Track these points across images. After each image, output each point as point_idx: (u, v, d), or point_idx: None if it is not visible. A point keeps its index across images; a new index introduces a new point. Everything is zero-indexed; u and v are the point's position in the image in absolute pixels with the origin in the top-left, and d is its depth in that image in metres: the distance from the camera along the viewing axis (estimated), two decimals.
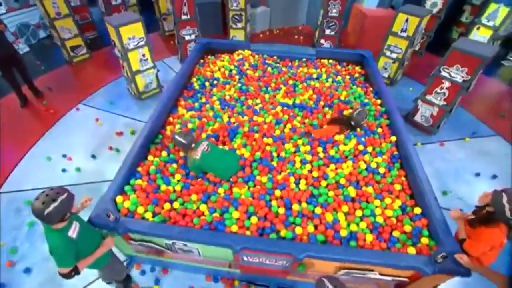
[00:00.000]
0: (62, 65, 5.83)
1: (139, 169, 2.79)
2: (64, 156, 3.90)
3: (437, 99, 4.07)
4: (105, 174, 3.64)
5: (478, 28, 5.36)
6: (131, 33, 4.19)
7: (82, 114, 4.63)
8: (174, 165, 2.87)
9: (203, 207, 2.47)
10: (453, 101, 3.93)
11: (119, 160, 3.71)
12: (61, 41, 5.53)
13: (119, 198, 2.45)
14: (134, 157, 2.78)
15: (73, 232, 1.86)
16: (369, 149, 3.01)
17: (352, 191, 2.62)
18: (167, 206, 2.46)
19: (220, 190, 2.64)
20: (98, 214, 2.25)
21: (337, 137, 3.13)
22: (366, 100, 3.66)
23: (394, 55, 5.03)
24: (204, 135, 3.16)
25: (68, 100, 4.86)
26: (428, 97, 4.14)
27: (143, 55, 4.52)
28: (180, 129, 3.27)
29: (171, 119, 3.45)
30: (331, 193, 2.62)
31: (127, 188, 2.58)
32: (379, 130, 3.27)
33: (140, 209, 2.41)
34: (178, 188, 2.63)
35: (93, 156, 3.88)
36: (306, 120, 3.42)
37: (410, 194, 2.67)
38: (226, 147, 3.08)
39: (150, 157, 2.93)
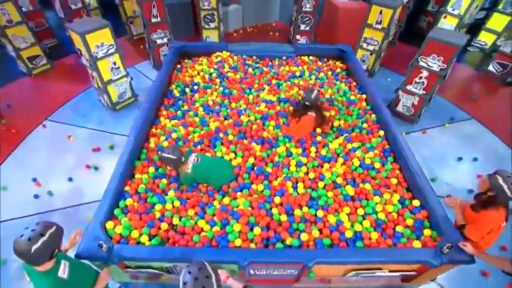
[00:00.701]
0: (19, 78, 5.35)
1: (127, 188, 2.64)
2: (35, 180, 3.59)
3: (417, 88, 4.22)
4: (84, 196, 3.41)
5: (445, 17, 5.62)
6: (99, 40, 3.94)
7: (50, 131, 4.30)
8: (164, 180, 2.75)
9: (201, 223, 2.38)
10: (432, 90, 4.10)
11: (99, 179, 3.57)
12: (16, 51, 5.08)
13: (109, 224, 2.30)
14: (120, 176, 2.61)
15: (63, 272, 1.67)
16: (356, 144, 3.06)
17: (350, 190, 2.65)
18: (164, 226, 2.34)
19: (215, 203, 2.57)
20: (88, 246, 2.07)
21: (319, 138, 3.16)
22: (352, 97, 3.71)
23: (371, 47, 5.15)
24: (190, 147, 3.07)
25: (31, 117, 4.48)
26: (408, 87, 4.28)
27: (114, 63, 4.29)
28: (166, 140, 3.14)
29: (154, 130, 3.31)
30: (330, 194, 2.63)
31: (116, 211, 2.42)
32: (365, 125, 3.34)
33: (135, 233, 2.27)
34: (176, 204, 2.53)
35: (69, 178, 3.62)
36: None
37: (407, 187, 2.74)
38: (219, 154, 3.01)
39: (137, 175, 2.78)
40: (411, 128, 4.48)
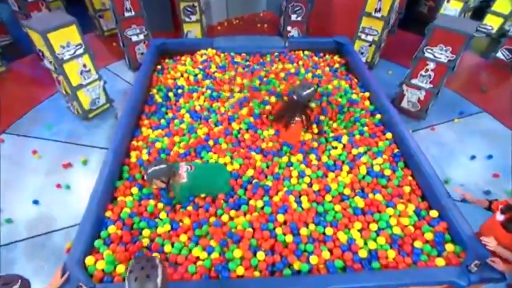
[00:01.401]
0: None
1: (109, 214, 2.53)
2: None
3: (423, 82, 4.22)
4: (56, 221, 3.22)
5: (448, 1, 5.66)
6: (64, 39, 3.75)
7: (9, 146, 4.04)
8: (152, 202, 2.64)
9: (197, 251, 2.29)
10: (440, 83, 4.11)
11: (72, 199, 3.41)
12: None
13: (89, 259, 2.18)
14: (100, 200, 2.49)
15: None
16: (362, 149, 3.03)
17: (360, 202, 2.61)
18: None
19: (212, 219, 2.50)
20: None
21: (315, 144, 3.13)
22: (354, 96, 3.68)
23: (370, 38, 5.13)
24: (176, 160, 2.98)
25: None
26: (414, 81, 4.28)
27: (84, 66, 4.11)
28: (148, 153, 3.04)
29: (135, 143, 3.20)
30: (338, 208, 2.59)
31: (97, 243, 2.31)
32: (366, 128, 3.32)
33: (120, 268, 2.17)
34: (167, 228, 2.44)
35: (35, 201, 3.42)
36: None
37: (421, 195, 2.72)
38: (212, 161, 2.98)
39: (120, 197, 2.66)
40: (418, 125, 4.47)
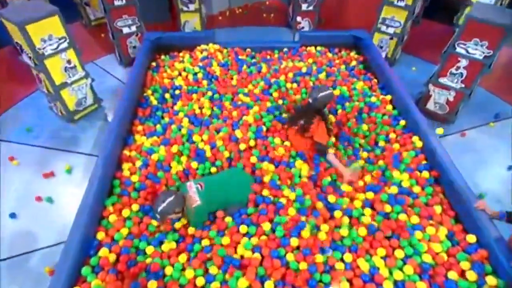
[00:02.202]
0: None
1: (100, 235, 2.49)
2: None
3: (453, 81, 4.11)
4: (36, 240, 3.15)
5: None
6: (46, 32, 3.66)
7: None
8: (154, 222, 2.63)
9: (199, 281, 2.24)
10: (473, 83, 4.00)
11: (54, 214, 3.34)
12: None
13: None
14: (88, 220, 2.44)
15: None
16: (383, 162, 2.98)
17: (382, 223, 2.54)
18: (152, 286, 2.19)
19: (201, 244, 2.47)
20: None
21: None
22: (373, 99, 3.61)
23: (391, 30, 5.03)
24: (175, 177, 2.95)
25: None
26: (442, 79, 4.17)
27: (69, 62, 4.05)
28: (144, 167, 2.99)
29: (127, 153, 3.15)
30: (363, 232, 2.49)
31: (85, 271, 2.25)
32: (392, 135, 3.25)
33: None
34: (172, 246, 2.48)
35: (12, 214, 3.34)
36: None
37: (455, 216, 2.64)
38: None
39: (111, 217, 2.61)
40: (446, 130, 4.34)
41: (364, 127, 3.42)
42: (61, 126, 4.37)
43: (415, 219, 2.56)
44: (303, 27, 6.08)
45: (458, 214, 2.63)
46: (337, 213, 2.61)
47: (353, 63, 4.22)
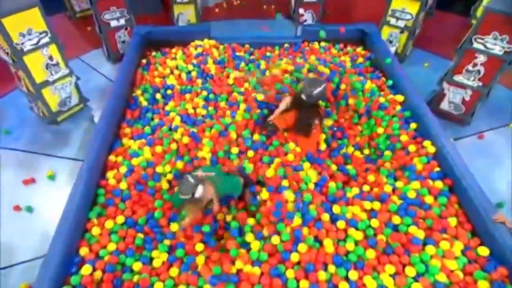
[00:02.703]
0: None
1: (83, 251, 2.46)
2: None
3: (470, 79, 4.04)
4: (14, 254, 3.09)
5: None
6: (24, 25, 3.60)
7: None
8: (140, 235, 2.61)
9: None
10: (492, 80, 3.94)
11: (35, 225, 3.28)
12: None
13: None
14: (69, 235, 2.41)
15: None
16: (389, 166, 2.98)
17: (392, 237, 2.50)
18: None
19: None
20: None
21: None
22: (381, 99, 3.57)
23: (401, 23, 4.94)
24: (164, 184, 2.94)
25: None
26: (457, 77, 4.10)
27: (50, 58, 3.99)
28: (129, 175, 2.95)
29: (113, 158, 3.12)
30: (370, 253, 2.44)
31: None
32: (404, 138, 3.19)
33: None
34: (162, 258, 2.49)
35: None
36: None
37: (471, 230, 2.58)
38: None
39: (95, 230, 2.58)
40: (461, 131, 4.30)
41: (371, 128, 3.42)
42: (43, 128, 4.31)
43: (427, 233, 2.51)
44: (305, 20, 6.01)
45: (475, 227, 2.58)
46: (340, 223, 2.57)
47: (360, 59, 4.19)
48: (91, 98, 4.57)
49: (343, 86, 3.69)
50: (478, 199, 2.57)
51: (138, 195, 2.81)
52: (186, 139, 3.14)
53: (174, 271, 2.39)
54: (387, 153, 3.16)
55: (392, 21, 4.98)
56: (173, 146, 3.15)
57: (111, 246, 2.51)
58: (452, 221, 2.56)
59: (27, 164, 3.88)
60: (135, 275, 2.37)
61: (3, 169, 3.82)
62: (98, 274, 2.34)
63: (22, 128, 4.31)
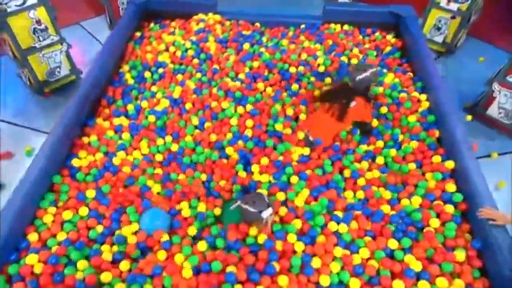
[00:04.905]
0: None
1: (33, 237, 2.51)
2: None
3: None
4: None
5: None
6: None
7: None
8: (100, 227, 2.63)
9: None
10: None
11: (3, 203, 3.40)
12: None
13: None
14: (17, 217, 2.47)
15: None
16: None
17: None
18: None
19: None
20: None
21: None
22: (402, 98, 3.43)
23: (454, 6, 4.72)
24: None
25: None
26: (511, 77, 3.87)
27: (38, 22, 4.08)
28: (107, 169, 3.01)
29: (85, 139, 3.21)
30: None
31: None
32: (414, 144, 3.07)
33: None
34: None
35: None
36: None
37: (480, 268, 2.40)
38: None
39: (46, 218, 2.64)
40: (510, 145, 4.05)
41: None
42: (28, 98, 4.49)
43: (425, 264, 2.37)
44: None
45: (486, 266, 2.40)
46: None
47: (388, 48, 4.06)
48: (86, 70, 4.68)
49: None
50: (495, 234, 2.36)
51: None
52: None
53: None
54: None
55: (443, 3, 4.79)
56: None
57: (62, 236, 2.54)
58: (459, 255, 2.38)
59: (7, 136, 4.03)
60: (78, 272, 2.36)
61: None
62: (40, 266, 2.35)
63: (6, 96, 4.48)
